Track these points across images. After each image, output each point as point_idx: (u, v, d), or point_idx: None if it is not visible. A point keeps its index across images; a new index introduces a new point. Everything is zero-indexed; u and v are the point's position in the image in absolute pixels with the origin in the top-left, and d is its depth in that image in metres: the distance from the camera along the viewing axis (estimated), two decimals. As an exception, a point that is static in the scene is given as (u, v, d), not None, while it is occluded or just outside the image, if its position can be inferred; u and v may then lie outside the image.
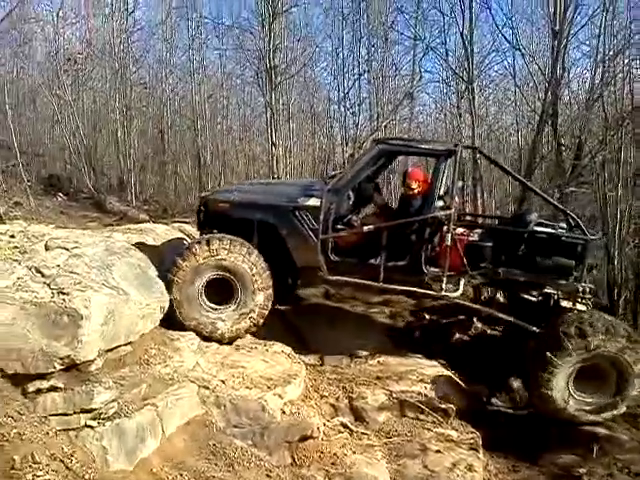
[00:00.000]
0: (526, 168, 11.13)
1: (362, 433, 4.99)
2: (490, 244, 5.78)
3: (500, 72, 14.41)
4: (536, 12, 13.51)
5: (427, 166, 10.13)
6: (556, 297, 5.86)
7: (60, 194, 13.06)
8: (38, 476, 3.23)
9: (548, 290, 5.87)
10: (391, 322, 7.44)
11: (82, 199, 13.47)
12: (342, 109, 15.62)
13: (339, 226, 5.94)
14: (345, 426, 5.02)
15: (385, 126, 14.56)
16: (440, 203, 5.73)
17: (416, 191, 5.98)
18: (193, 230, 8.51)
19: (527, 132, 14.17)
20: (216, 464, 4.15)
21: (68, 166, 16.24)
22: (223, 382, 4.82)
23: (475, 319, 7.09)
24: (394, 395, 5.39)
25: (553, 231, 5.78)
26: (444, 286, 5.61)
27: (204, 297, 5.60)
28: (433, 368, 5.96)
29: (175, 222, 9.96)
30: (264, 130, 15.91)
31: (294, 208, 5.79)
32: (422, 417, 5.25)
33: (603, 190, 9.52)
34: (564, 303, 5.76)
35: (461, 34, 11.69)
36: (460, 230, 5.91)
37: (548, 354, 5.23)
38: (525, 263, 5.67)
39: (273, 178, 13.43)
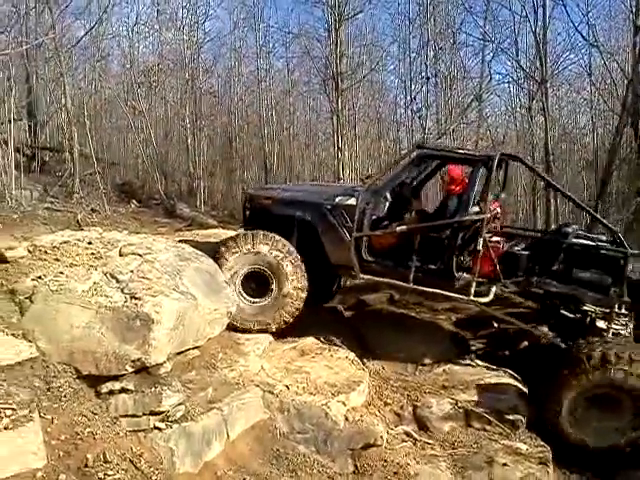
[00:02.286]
0: (604, 170, 10.70)
1: (426, 443, 4.90)
2: (526, 254, 5.65)
3: (575, 71, 13.92)
4: (615, 7, 12.94)
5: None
6: (593, 315, 5.59)
7: (133, 200, 13.54)
8: (109, 475, 3.35)
9: (586, 308, 5.61)
10: (457, 329, 7.28)
11: (153, 205, 13.92)
12: (409, 113, 15.52)
13: (374, 226, 5.96)
14: (409, 435, 4.95)
15: (453, 130, 14.33)
16: (475, 209, 5.64)
17: (453, 188, 5.95)
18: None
19: (604, 132, 13.62)
20: (279, 469, 4.20)
21: (141, 173, 16.85)
22: (287, 387, 4.86)
23: (546, 328, 6.85)
24: (460, 405, 5.26)
25: (592, 243, 5.56)
26: (472, 291, 5.48)
27: (241, 288, 5.80)
28: (501, 378, 5.77)
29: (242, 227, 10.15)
30: (330, 135, 15.99)
31: (331, 206, 5.89)
32: (489, 428, 5.10)
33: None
34: (600, 323, 5.48)
35: (534, 33, 11.38)
36: (496, 238, 5.82)
37: (565, 372, 5.03)
38: (561, 275, 5.50)
39: (338, 183, 13.48)
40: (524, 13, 12.10)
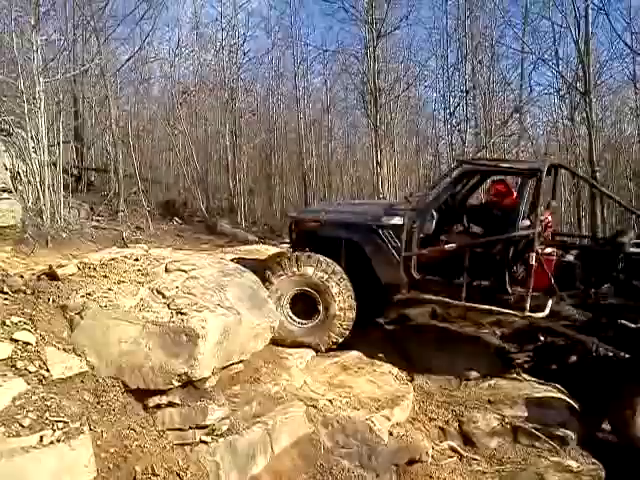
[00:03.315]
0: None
1: (472, 458, 4.82)
2: (582, 265, 5.54)
3: (619, 79, 13.65)
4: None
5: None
6: None
7: (176, 218, 13.80)
8: (156, 488, 3.41)
9: None
10: (503, 343, 7.15)
11: (195, 222, 14.15)
12: (448, 127, 15.45)
13: (423, 245, 5.93)
14: (455, 450, 4.88)
15: (493, 143, 14.20)
16: (526, 222, 5.55)
17: (500, 201, 5.95)
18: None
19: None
20: (323, 484, 4.18)
21: (182, 192, 17.17)
22: (330, 402, 4.85)
23: (597, 342, 6.68)
24: (507, 420, 5.16)
25: None
26: (528, 306, 5.38)
27: (289, 310, 5.83)
28: (549, 392, 5.62)
29: (282, 243, 10.24)
30: (368, 150, 16.03)
31: (378, 227, 5.90)
32: (537, 444, 4.97)
33: None
34: None
35: (575, 43, 11.22)
36: (549, 250, 5.69)
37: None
38: (620, 286, 5.35)
39: (378, 198, 13.48)
40: (565, 23, 11.97)
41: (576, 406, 5.52)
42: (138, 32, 15.94)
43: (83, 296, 4.54)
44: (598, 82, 12.58)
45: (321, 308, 5.80)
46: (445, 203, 6.18)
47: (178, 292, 4.76)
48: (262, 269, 6.11)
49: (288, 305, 5.85)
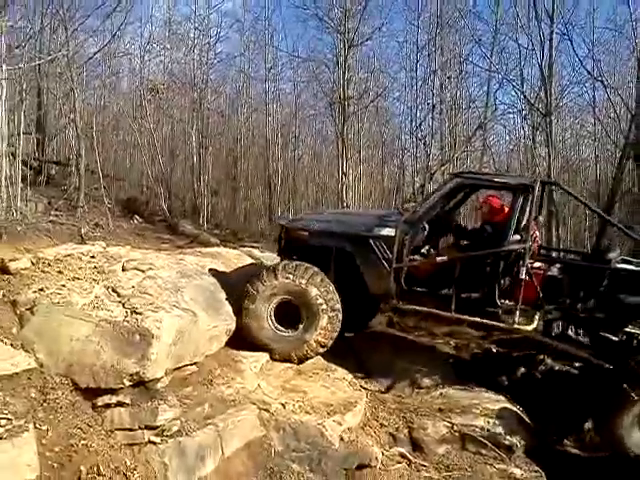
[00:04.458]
0: (606, 202, 10.76)
1: (421, 465, 4.88)
2: (569, 279, 5.69)
3: (579, 104, 14.08)
4: (619, 43, 13.13)
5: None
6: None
7: (137, 216, 13.58)
8: (102, 488, 3.37)
9: (631, 330, 5.60)
10: (456, 353, 7.28)
11: (157, 222, 13.96)
12: (414, 139, 15.65)
13: (414, 256, 6.00)
14: (404, 456, 4.93)
15: (457, 157, 14.45)
16: (517, 237, 5.66)
17: (491, 216, 6.03)
18: (261, 255, 8.70)
19: (606, 165, 13.72)
20: (273, 488, 4.18)
21: (145, 190, 16.96)
22: (283, 406, 4.86)
23: (545, 355, 6.86)
24: (456, 428, 5.25)
25: (637, 268, 5.59)
26: (517, 319, 5.51)
27: (273, 319, 5.74)
28: (498, 403, 5.75)
29: (244, 247, 10.20)
30: (334, 158, 16.13)
31: (369, 237, 5.90)
32: (484, 452, 5.08)
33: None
34: None
35: (539, 66, 11.53)
36: (538, 264, 5.85)
37: (625, 387, 5.04)
38: (606, 300, 5.51)
39: (343, 207, 13.58)
40: (530, 46, 12.30)
41: (523, 416, 5.66)
42: (109, 25, 15.72)
43: (35, 292, 4.49)
44: (559, 105, 12.94)
45: (305, 317, 5.73)
46: (436, 216, 6.20)
47: (134, 291, 4.73)
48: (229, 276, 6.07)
49: (272, 314, 5.76)
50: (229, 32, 19.21)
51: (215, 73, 18.64)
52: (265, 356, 5.66)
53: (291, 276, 5.69)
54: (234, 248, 9.23)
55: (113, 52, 16.96)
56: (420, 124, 15.29)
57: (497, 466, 4.92)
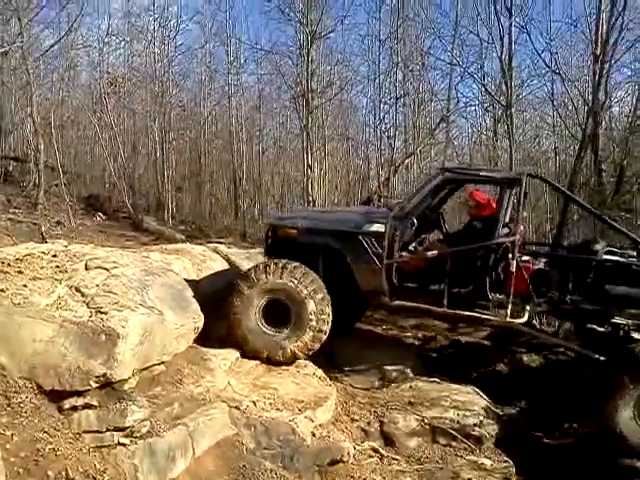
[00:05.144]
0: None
1: (393, 458, 4.91)
2: (556, 272, 5.77)
3: (538, 96, 14.32)
4: (575, 36, 13.39)
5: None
6: (626, 328, 5.67)
7: (99, 213, 13.37)
8: (71, 492, 3.29)
9: (617, 321, 5.70)
10: (425, 346, 7.36)
11: (120, 218, 13.77)
12: (378, 132, 15.72)
13: (403, 252, 6.00)
14: (376, 451, 4.96)
15: (421, 150, 14.57)
16: (505, 230, 5.75)
17: (478, 211, 6.07)
18: (228, 250, 8.62)
19: (566, 157, 14.00)
20: (245, 486, 4.16)
21: (108, 186, 16.66)
22: (254, 403, 4.83)
23: (515, 347, 7.00)
24: (426, 421, 5.30)
25: (623, 259, 5.70)
26: (509, 312, 5.58)
27: (262, 319, 5.69)
28: (467, 395, 5.84)
29: (210, 242, 10.11)
30: (299, 152, 16.10)
31: (359, 234, 5.89)
32: (454, 444, 5.15)
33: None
34: (636, 335, 5.59)
35: (499, 59, 11.67)
36: (525, 257, 5.90)
37: (625, 378, 5.17)
38: (593, 292, 5.61)
39: (308, 201, 13.58)
40: (490, 39, 12.45)
41: (493, 408, 5.76)
42: (65, 17, 15.34)
43: (-5, 292, 4.33)
44: (519, 97, 13.13)
45: (294, 316, 5.66)
46: (424, 211, 6.21)
47: (98, 290, 4.62)
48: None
49: (261, 313, 5.69)
50: (189, 24, 18.98)
51: (177, 66, 18.40)
52: (235, 353, 5.61)
53: (284, 276, 5.64)
54: (200, 244, 9.13)
55: (70, 44, 16.58)
56: (383, 117, 15.39)
57: (467, 457, 4.99)
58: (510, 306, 5.57)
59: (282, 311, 5.67)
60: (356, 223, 6.06)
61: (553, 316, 6.84)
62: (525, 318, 5.76)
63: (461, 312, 5.83)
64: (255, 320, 5.64)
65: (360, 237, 5.88)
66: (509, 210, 5.92)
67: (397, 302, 5.96)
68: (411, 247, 6.20)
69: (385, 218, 5.88)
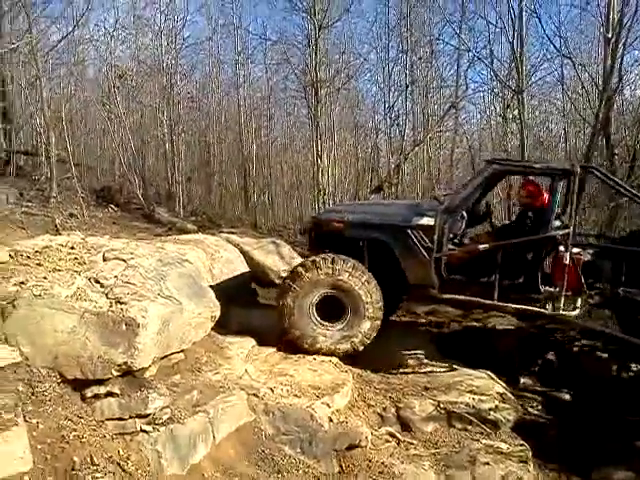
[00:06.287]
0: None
1: (409, 443, 4.95)
2: (607, 264, 5.77)
3: (548, 81, 14.21)
4: (585, 20, 13.25)
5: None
6: None
7: (111, 205, 13.41)
8: (96, 477, 3.37)
9: None
10: (439, 332, 7.39)
11: (132, 210, 13.81)
12: (387, 120, 15.67)
13: (452, 245, 6.03)
14: (392, 435, 5.00)
15: (430, 137, 14.52)
16: (557, 222, 5.74)
17: (531, 202, 6.07)
18: (240, 240, 8.67)
19: (577, 141, 13.90)
20: (265, 470, 4.22)
21: (118, 178, 16.70)
22: (272, 390, 4.90)
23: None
24: (442, 405, 5.34)
25: None
26: (561, 306, 5.58)
27: (315, 310, 5.78)
28: (482, 379, 5.89)
29: (222, 232, 10.17)
30: (308, 141, 16.08)
31: (408, 227, 5.92)
32: (470, 428, 5.17)
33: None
34: None
35: (510, 43, 11.59)
36: (576, 250, 5.86)
37: None
38: None
39: (319, 190, 13.60)
40: (500, 24, 12.36)
41: (508, 392, 5.79)
42: (71, 12, 15.35)
43: (16, 285, 4.39)
44: (530, 82, 13.05)
45: (349, 310, 5.76)
46: (473, 203, 6.26)
47: (117, 281, 4.68)
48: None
49: (315, 308, 5.79)
50: (196, 16, 18.90)
51: (184, 58, 18.36)
52: (251, 341, 5.69)
53: (347, 273, 5.71)
54: (212, 234, 9.18)
55: (78, 39, 16.59)
56: (393, 105, 15.33)
57: (483, 441, 5.00)
58: (563, 299, 5.56)
59: (332, 305, 5.75)
60: (404, 217, 6.07)
61: (604, 308, 6.70)
62: (578, 311, 5.75)
63: (512, 305, 5.84)
64: (309, 316, 5.74)
65: (409, 230, 5.89)
66: (567, 202, 5.89)
67: (446, 295, 5.99)
68: (460, 240, 6.22)
69: (434, 211, 5.87)
